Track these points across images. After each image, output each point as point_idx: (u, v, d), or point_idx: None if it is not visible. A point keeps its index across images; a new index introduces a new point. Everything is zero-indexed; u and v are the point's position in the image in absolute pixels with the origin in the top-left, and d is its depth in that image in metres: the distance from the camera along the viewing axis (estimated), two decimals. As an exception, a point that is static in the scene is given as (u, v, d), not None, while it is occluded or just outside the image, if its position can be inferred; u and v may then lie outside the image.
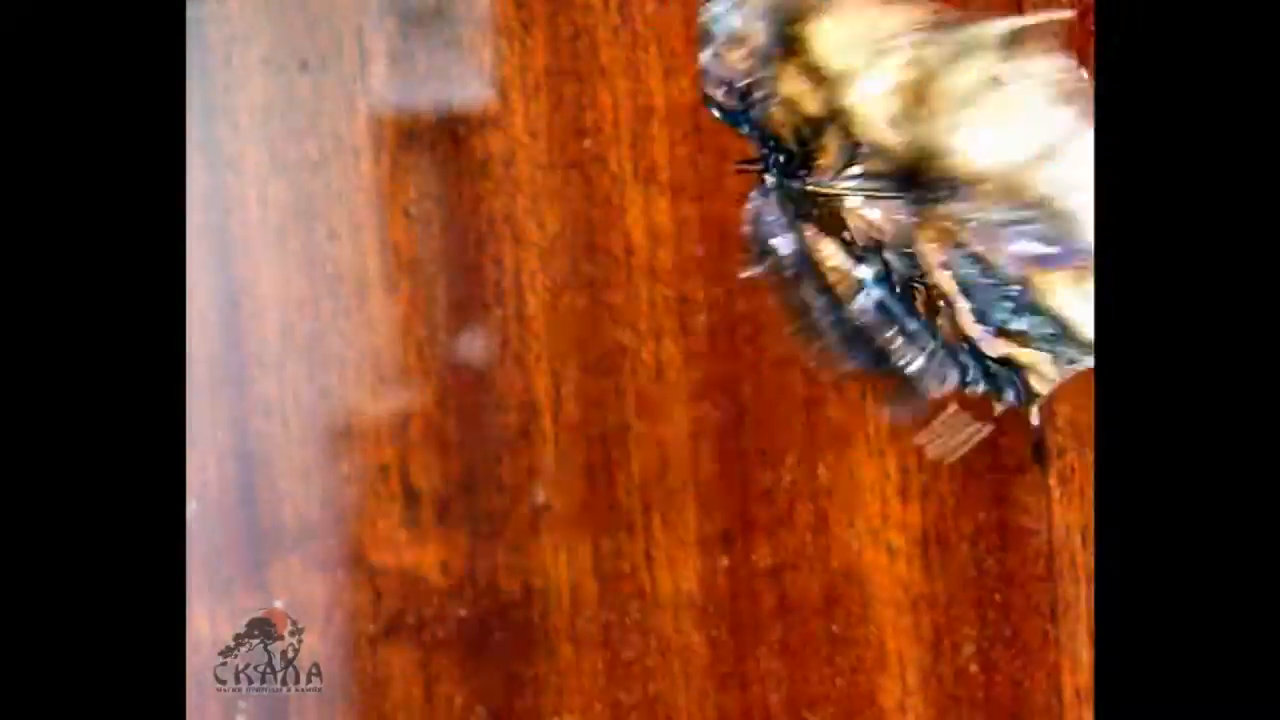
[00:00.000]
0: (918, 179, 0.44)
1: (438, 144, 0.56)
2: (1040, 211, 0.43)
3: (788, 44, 0.44)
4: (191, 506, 0.58)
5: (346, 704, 0.59)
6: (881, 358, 0.47)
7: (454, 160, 0.56)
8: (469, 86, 0.56)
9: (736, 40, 0.45)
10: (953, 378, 0.46)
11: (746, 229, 0.47)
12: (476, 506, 0.57)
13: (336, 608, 0.58)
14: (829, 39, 0.44)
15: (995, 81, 0.43)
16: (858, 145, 0.44)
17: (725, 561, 0.57)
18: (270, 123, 0.57)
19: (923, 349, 0.46)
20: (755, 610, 0.57)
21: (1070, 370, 0.45)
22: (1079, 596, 0.55)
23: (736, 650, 0.57)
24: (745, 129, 0.46)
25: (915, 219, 0.44)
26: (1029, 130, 0.43)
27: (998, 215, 0.43)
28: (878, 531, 0.56)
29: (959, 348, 0.46)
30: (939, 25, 0.43)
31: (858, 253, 0.45)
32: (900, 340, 0.46)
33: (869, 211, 0.45)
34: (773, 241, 0.47)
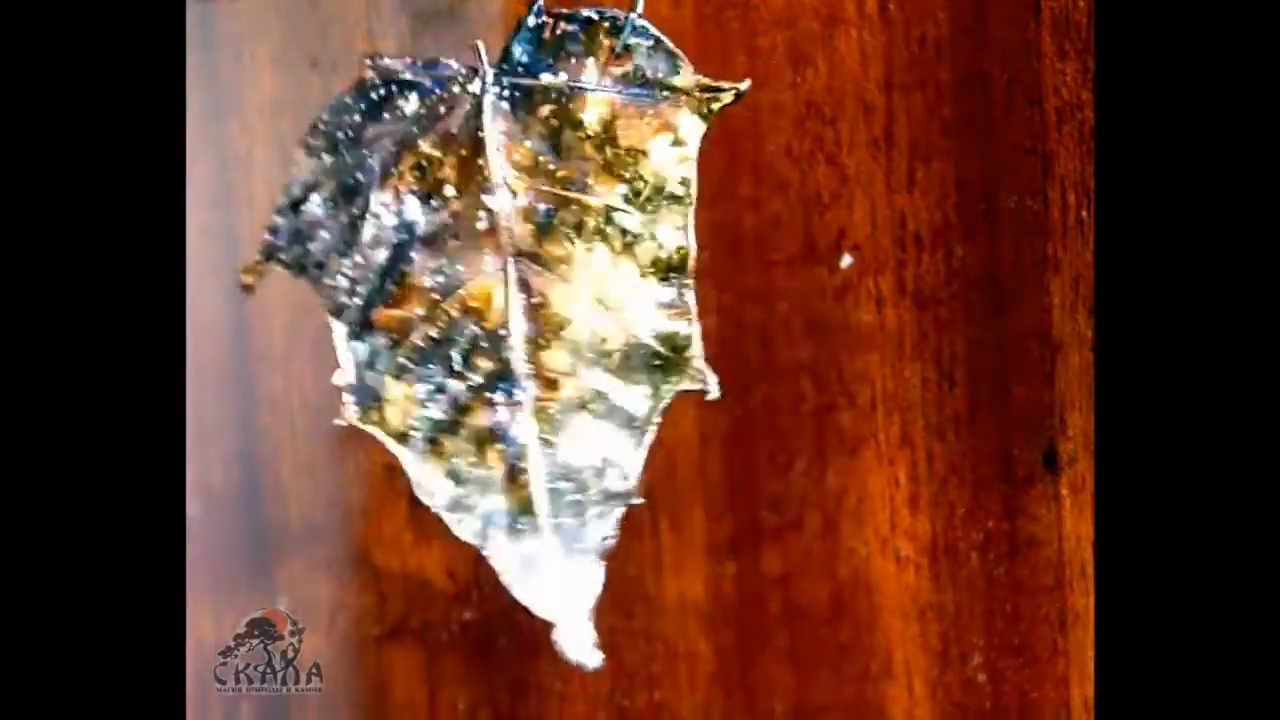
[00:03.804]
0: None
1: (448, 144, 0.56)
2: None
3: None
4: (195, 507, 0.58)
5: (350, 706, 0.58)
6: None
7: (464, 161, 0.56)
8: (480, 87, 0.56)
9: None
10: None
11: None
12: (483, 509, 0.57)
13: (341, 610, 0.58)
14: None
15: None
16: None
17: (732, 568, 0.56)
18: (280, 121, 0.57)
19: None
20: (762, 617, 0.56)
21: None
22: (1088, 607, 0.55)
23: (743, 657, 0.57)
24: None
25: None
26: None
27: None
28: (886, 540, 0.55)
29: None
30: None
31: None
32: None
33: None
34: None
